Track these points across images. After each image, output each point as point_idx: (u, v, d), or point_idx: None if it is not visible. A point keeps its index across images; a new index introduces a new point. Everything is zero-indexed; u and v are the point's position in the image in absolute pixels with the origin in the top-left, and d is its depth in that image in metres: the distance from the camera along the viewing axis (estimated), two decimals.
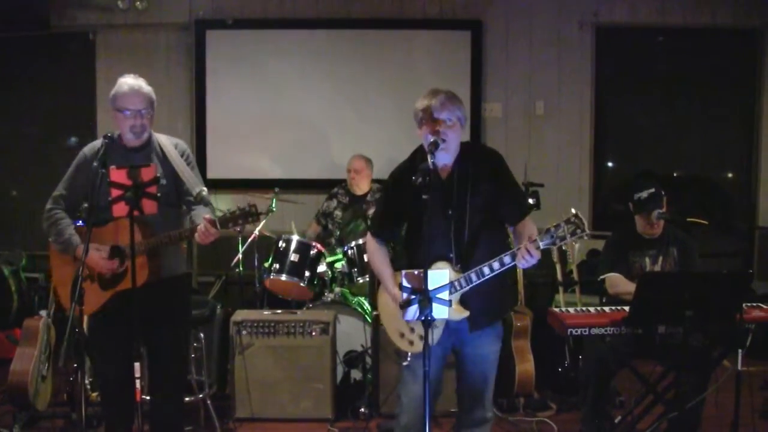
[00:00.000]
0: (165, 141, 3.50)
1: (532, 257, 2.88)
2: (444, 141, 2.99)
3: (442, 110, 3.01)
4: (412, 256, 3.17)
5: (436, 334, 3.08)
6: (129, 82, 3.38)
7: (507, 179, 3.20)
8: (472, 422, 3.31)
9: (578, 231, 2.87)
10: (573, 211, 2.91)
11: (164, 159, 3.44)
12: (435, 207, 2.98)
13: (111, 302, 3.36)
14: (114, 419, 3.51)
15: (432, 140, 2.97)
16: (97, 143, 3.43)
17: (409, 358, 3.16)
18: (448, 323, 3.08)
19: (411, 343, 3.15)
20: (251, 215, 3.27)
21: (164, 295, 3.42)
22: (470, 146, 3.22)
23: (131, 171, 3.10)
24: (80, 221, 3.56)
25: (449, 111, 3.02)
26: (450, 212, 3.07)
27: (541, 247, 2.89)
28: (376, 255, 3.30)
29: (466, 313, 3.05)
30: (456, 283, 3.01)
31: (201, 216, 3.30)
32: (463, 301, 3.06)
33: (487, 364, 3.24)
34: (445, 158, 3.08)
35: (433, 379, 2.90)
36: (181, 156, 3.48)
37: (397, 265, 3.23)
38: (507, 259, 2.96)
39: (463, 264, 3.05)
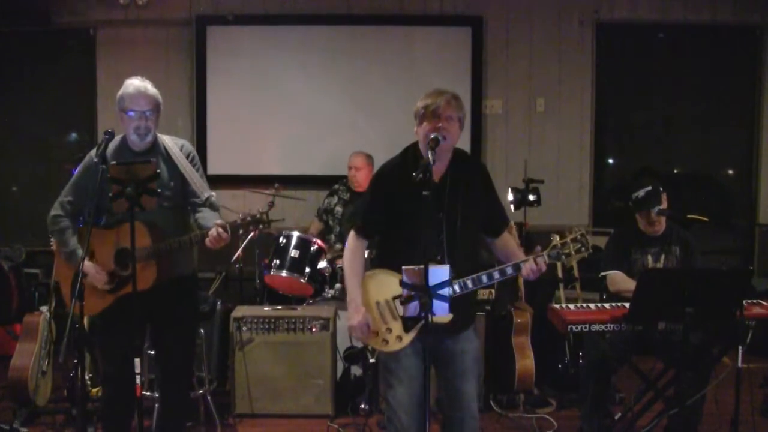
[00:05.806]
0: (170, 143, 3.50)
1: (539, 270, 2.97)
2: (445, 139, 2.94)
3: (447, 108, 2.99)
4: (394, 258, 3.00)
5: (411, 334, 2.99)
6: (135, 83, 3.38)
7: (494, 192, 3.24)
8: (459, 423, 3.14)
9: (582, 249, 3.01)
10: (580, 230, 3.05)
11: (170, 161, 3.44)
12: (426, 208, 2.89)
13: (116, 303, 3.37)
14: (115, 416, 3.52)
15: (433, 137, 2.91)
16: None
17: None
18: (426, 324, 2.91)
19: (386, 342, 3.03)
20: (261, 222, 3.35)
21: (173, 295, 3.45)
22: (461, 153, 3.19)
23: (130, 167, 3.12)
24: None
25: (453, 110, 3.01)
26: (441, 215, 3.02)
27: (548, 262, 2.98)
28: (354, 258, 3.12)
29: (450, 317, 2.87)
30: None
31: (209, 220, 3.33)
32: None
33: (467, 359, 3.14)
34: (438, 160, 2.98)
35: (419, 375, 2.91)
36: (187, 158, 3.49)
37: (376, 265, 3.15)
38: (509, 270, 3.00)
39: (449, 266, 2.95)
